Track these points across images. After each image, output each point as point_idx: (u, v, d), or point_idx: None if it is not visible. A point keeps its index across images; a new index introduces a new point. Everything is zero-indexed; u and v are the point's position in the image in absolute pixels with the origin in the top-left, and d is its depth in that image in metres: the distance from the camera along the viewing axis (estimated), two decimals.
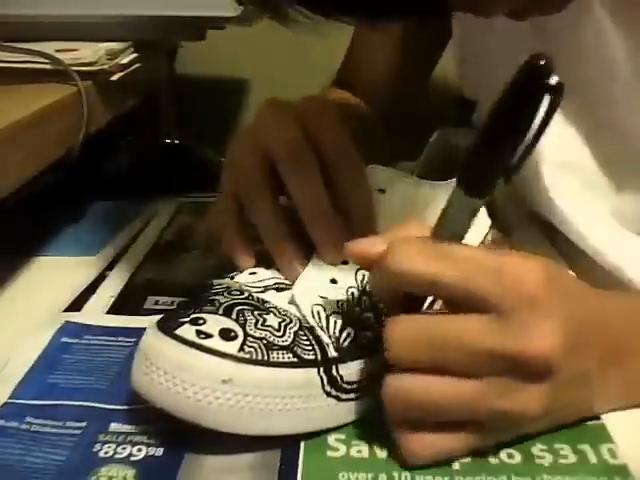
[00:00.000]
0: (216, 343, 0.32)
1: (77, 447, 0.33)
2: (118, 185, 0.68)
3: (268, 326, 0.34)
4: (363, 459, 0.33)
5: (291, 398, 0.32)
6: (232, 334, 0.32)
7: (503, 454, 0.33)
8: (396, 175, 0.42)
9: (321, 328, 0.35)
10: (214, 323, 0.33)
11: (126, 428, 0.35)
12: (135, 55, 0.64)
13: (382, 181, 0.41)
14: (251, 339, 0.32)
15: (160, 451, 0.33)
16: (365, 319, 0.36)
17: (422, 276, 0.29)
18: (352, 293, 0.37)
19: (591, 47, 0.43)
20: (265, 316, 0.34)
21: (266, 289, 0.37)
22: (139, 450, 0.33)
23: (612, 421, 0.35)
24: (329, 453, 0.33)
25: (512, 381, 0.29)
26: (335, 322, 0.35)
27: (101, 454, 0.33)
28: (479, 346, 0.29)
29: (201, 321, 0.33)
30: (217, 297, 0.35)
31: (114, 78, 0.59)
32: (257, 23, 0.77)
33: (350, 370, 0.34)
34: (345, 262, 0.38)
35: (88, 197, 0.66)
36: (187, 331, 0.32)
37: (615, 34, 0.42)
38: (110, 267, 0.52)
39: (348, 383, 0.34)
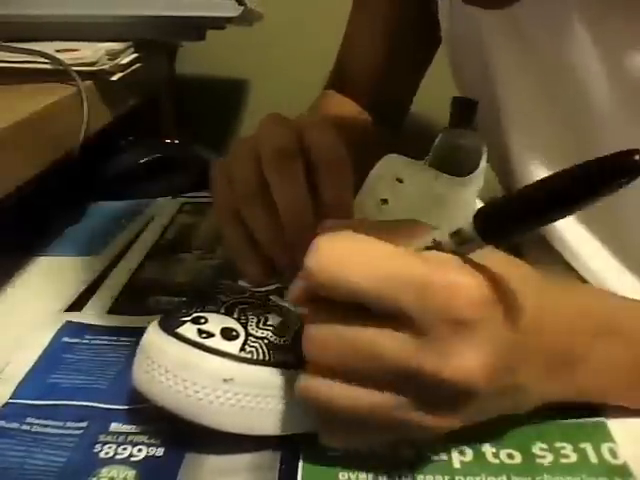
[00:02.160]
0: (218, 342, 0.32)
1: (78, 448, 0.33)
2: (118, 185, 0.68)
3: (270, 325, 0.34)
4: (363, 458, 0.32)
5: (292, 398, 0.32)
6: (234, 333, 0.32)
7: (503, 454, 0.33)
8: (415, 165, 0.41)
9: None
10: (216, 322, 0.33)
11: (126, 428, 0.35)
12: (135, 55, 0.64)
13: (400, 170, 0.41)
14: (253, 339, 0.32)
15: (161, 451, 0.33)
16: None
17: (339, 282, 0.27)
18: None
19: (571, 64, 0.43)
20: (267, 315, 0.34)
21: (268, 294, 0.37)
22: (139, 450, 0.33)
23: (613, 420, 0.35)
24: (329, 452, 0.33)
25: (430, 398, 0.28)
26: None
27: (102, 455, 0.33)
28: (395, 362, 0.27)
29: (203, 320, 0.33)
30: (219, 296, 0.35)
31: (114, 78, 0.59)
32: (257, 23, 0.77)
33: None
34: None
35: (88, 197, 0.66)
36: (189, 330, 0.32)
37: (594, 51, 0.41)
38: (111, 267, 0.52)
39: None
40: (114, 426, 0.35)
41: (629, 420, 0.35)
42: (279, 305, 0.35)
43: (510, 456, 0.33)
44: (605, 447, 0.33)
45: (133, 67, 0.64)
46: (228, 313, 0.34)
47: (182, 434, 0.33)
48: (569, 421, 0.35)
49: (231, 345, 0.32)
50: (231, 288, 0.37)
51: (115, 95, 0.61)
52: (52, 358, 0.40)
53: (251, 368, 0.32)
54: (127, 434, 0.34)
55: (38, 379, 0.38)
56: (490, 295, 0.27)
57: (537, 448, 0.33)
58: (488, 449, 0.33)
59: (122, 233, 0.59)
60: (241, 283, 0.38)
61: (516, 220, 0.26)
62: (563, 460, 0.32)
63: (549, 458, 0.32)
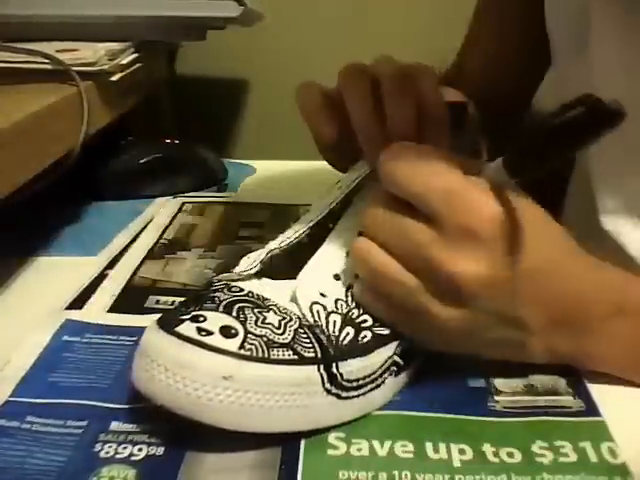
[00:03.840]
0: (217, 340, 0.32)
1: (78, 447, 0.33)
2: (118, 185, 0.68)
3: (268, 324, 0.34)
4: (363, 457, 0.32)
5: (291, 395, 0.32)
6: (233, 331, 0.32)
7: (503, 453, 0.33)
8: None
9: (320, 327, 0.35)
10: (215, 320, 0.33)
11: (127, 427, 0.34)
12: (135, 55, 0.64)
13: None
14: (252, 336, 0.32)
15: (161, 450, 0.33)
16: (363, 321, 0.36)
17: (398, 184, 0.34)
18: (353, 294, 0.37)
19: None
20: (265, 314, 0.34)
21: (261, 270, 0.38)
22: (140, 450, 0.33)
23: (613, 418, 0.35)
24: (329, 451, 0.33)
25: (436, 287, 0.33)
26: (334, 322, 0.35)
27: (102, 454, 0.33)
28: (418, 248, 0.33)
29: (202, 318, 0.33)
30: (217, 294, 0.35)
31: (114, 78, 0.59)
32: (257, 23, 0.77)
33: (350, 368, 0.34)
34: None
35: (88, 197, 0.66)
36: (188, 328, 0.32)
37: None
38: (111, 266, 0.52)
39: (348, 381, 0.34)
40: (114, 425, 0.35)
41: (628, 419, 0.35)
42: (277, 304, 0.35)
43: (510, 455, 0.32)
44: (605, 446, 0.33)
45: (133, 67, 0.64)
46: (226, 311, 0.34)
47: (182, 433, 0.33)
48: (568, 419, 0.35)
49: (230, 343, 0.32)
50: (227, 285, 0.37)
51: (115, 95, 0.61)
52: (52, 357, 0.40)
53: (250, 365, 0.32)
54: (127, 433, 0.34)
55: (38, 378, 0.38)
56: (502, 223, 0.32)
57: (537, 447, 0.33)
58: (488, 448, 0.33)
59: (122, 233, 0.59)
60: (234, 270, 0.38)
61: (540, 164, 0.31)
62: (562, 459, 0.32)
63: (549, 457, 0.32)
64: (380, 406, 0.36)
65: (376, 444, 0.33)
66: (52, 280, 0.51)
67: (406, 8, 0.94)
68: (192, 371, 0.31)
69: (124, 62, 0.62)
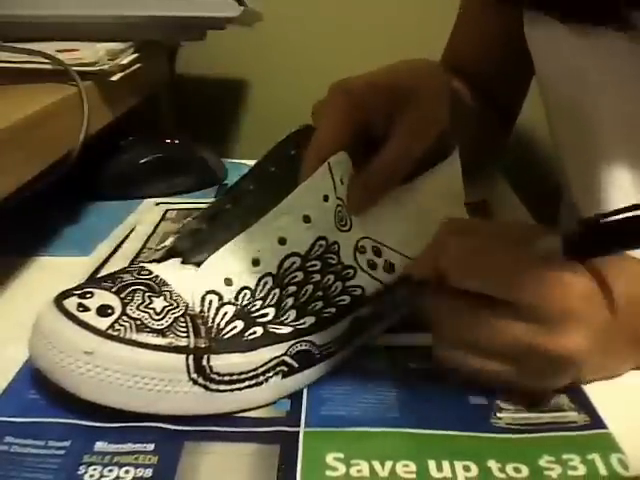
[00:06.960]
0: (89, 316, 0.33)
1: (61, 470, 0.31)
2: (118, 185, 0.68)
3: (150, 308, 0.35)
4: (363, 478, 0.31)
5: (152, 379, 0.33)
6: (109, 311, 0.34)
7: (509, 468, 0.32)
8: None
9: (203, 317, 0.35)
10: (98, 298, 0.34)
11: (112, 447, 0.32)
12: (135, 55, 0.64)
13: (345, 172, 0.39)
14: (125, 318, 0.34)
15: (149, 472, 0.31)
16: (261, 315, 0.36)
17: (473, 279, 0.34)
18: (265, 282, 0.36)
19: None
20: (154, 298, 0.35)
21: (170, 251, 0.38)
22: (127, 472, 0.31)
23: (619, 431, 0.34)
24: (328, 472, 0.31)
25: (536, 366, 0.34)
26: (225, 313, 0.35)
27: (86, 477, 0.30)
28: (517, 342, 0.34)
29: (89, 295, 0.35)
30: (124, 275, 0.37)
31: (114, 78, 0.59)
32: (257, 23, 0.77)
33: (223, 362, 0.34)
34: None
35: (88, 197, 0.66)
36: (71, 302, 0.34)
37: None
38: (95, 273, 0.51)
39: (218, 374, 0.34)
40: (99, 445, 0.32)
41: (635, 432, 0.34)
42: (172, 290, 0.36)
43: (517, 470, 0.32)
44: (614, 458, 0.32)
45: (133, 67, 0.63)
46: (118, 292, 0.35)
47: (171, 453, 0.32)
48: (575, 433, 0.34)
49: (102, 321, 0.33)
50: (141, 268, 0.38)
51: (115, 95, 0.61)
52: (33, 370, 0.37)
53: (112, 345, 0.33)
54: (113, 454, 0.32)
55: (18, 393, 0.36)
56: (594, 290, 0.34)
57: (544, 461, 0.32)
58: (494, 464, 0.32)
59: (106, 240, 0.57)
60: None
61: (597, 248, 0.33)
62: (572, 472, 0.31)
63: (557, 470, 0.31)
64: (261, 405, 0.36)
65: (376, 464, 0.32)
66: (52, 281, 0.50)
67: (407, 7, 0.94)
68: (60, 342, 0.33)
69: (124, 62, 0.61)
